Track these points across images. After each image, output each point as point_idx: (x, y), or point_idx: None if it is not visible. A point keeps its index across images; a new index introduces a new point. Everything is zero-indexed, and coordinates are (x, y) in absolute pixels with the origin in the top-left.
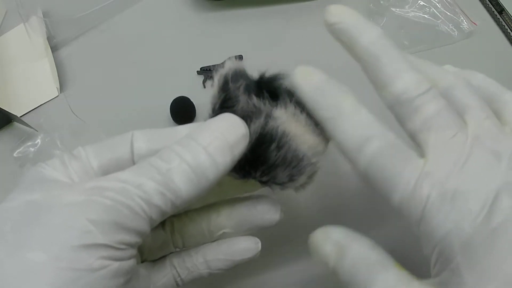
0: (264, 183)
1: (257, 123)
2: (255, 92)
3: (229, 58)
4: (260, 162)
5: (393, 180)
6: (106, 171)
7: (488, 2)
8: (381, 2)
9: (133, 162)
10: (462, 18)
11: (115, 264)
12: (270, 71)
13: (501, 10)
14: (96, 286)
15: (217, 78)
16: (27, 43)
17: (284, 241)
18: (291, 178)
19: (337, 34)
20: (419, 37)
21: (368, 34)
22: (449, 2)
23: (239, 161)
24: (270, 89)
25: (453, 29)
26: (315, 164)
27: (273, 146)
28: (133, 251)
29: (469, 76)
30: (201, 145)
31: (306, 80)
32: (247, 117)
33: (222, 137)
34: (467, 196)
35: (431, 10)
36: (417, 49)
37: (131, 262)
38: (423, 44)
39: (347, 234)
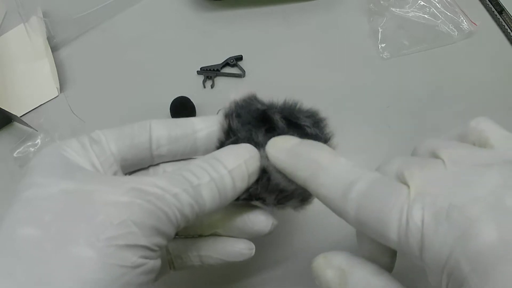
0: (258, 200)
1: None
2: (256, 122)
3: (233, 94)
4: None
5: (385, 216)
6: (124, 158)
7: (488, 2)
8: (381, 2)
9: (150, 151)
10: (462, 18)
11: (150, 263)
12: (276, 100)
13: (501, 10)
14: (136, 281)
15: (223, 112)
16: (27, 43)
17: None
18: (279, 202)
19: None
20: (419, 37)
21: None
22: (449, 2)
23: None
24: (272, 118)
25: (453, 29)
26: (302, 193)
27: (265, 179)
28: (161, 252)
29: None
30: (226, 168)
31: (278, 148)
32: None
33: (243, 166)
34: (462, 206)
35: (431, 10)
36: (417, 49)
37: (159, 260)
38: (423, 44)
39: (349, 259)
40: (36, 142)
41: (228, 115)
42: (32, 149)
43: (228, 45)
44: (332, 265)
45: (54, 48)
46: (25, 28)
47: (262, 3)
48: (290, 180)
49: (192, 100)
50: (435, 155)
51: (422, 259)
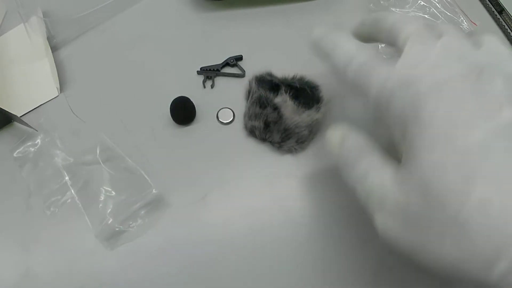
0: (264, 140)
1: (268, 109)
2: (270, 88)
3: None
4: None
5: (370, 81)
6: None
7: (488, 2)
8: (381, 2)
9: None
10: (462, 18)
11: None
12: (287, 75)
13: (501, 10)
14: None
15: (249, 80)
16: (27, 43)
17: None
18: (282, 140)
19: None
20: None
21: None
22: (449, 2)
23: (258, 129)
24: (279, 83)
25: None
26: (299, 133)
27: (272, 122)
28: None
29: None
30: None
31: (317, 32)
32: (262, 102)
33: None
34: (421, 79)
35: (431, 10)
36: None
37: None
38: None
39: (349, 128)
40: (36, 142)
41: (250, 82)
42: (32, 149)
43: (228, 45)
44: (337, 130)
45: (54, 48)
46: (25, 28)
47: (262, 3)
48: (292, 123)
49: (192, 100)
50: (439, 32)
51: (388, 118)
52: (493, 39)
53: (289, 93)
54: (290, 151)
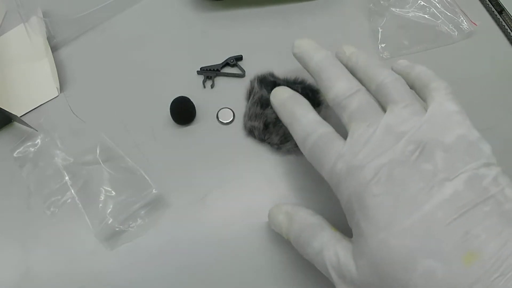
0: (263, 141)
1: (268, 109)
2: (271, 88)
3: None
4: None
5: (322, 161)
6: None
7: (488, 2)
8: (381, 2)
9: None
10: (462, 18)
11: None
12: (286, 76)
13: (501, 10)
14: None
15: (250, 79)
16: (27, 43)
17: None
18: (281, 142)
19: (298, 59)
20: (419, 37)
21: (316, 57)
22: (449, 2)
23: (257, 129)
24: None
25: (453, 29)
26: None
27: (277, 124)
28: None
29: (409, 69)
30: None
31: (276, 98)
32: (263, 103)
33: None
34: (363, 168)
35: (431, 10)
36: (417, 49)
37: None
38: (423, 44)
39: (294, 206)
40: (36, 142)
41: (252, 81)
42: (32, 149)
43: (228, 45)
44: (282, 211)
45: (54, 48)
46: (25, 28)
47: (262, 3)
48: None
49: (192, 100)
50: (386, 99)
51: (337, 196)
52: (441, 96)
53: None
54: (289, 152)
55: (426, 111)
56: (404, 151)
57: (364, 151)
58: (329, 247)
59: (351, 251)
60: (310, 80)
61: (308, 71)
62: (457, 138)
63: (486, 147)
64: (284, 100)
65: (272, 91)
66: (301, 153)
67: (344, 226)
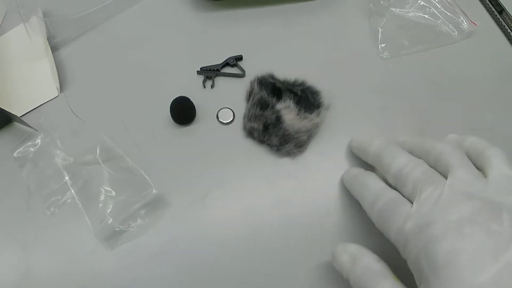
0: (262, 142)
1: (268, 111)
2: (271, 90)
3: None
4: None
5: (391, 223)
6: None
7: (488, 2)
8: (381, 2)
9: None
10: (462, 18)
11: None
12: (288, 78)
13: (501, 10)
14: None
15: (250, 81)
16: (27, 43)
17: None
18: (281, 144)
19: (357, 150)
20: (419, 37)
21: (375, 143)
22: (449, 2)
23: (257, 130)
24: (281, 89)
25: (453, 29)
26: (298, 138)
27: (277, 125)
28: None
29: (461, 141)
30: None
31: (348, 173)
32: (262, 104)
33: None
34: (433, 225)
35: (431, 10)
36: (417, 49)
37: None
38: (423, 44)
39: (360, 249)
40: (36, 142)
41: (251, 83)
42: (32, 149)
43: (228, 45)
44: (347, 251)
45: (54, 48)
46: (25, 28)
47: (262, 3)
48: (292, 129)
49: (192, 100)
50: (446, 166)
51: (405, 255)
52: (499, 162)
53: (292, 100)
54: (288, 154)
55: (486, 177)
56: (473, 210)
57: (433, 210)
58: None
59: None
60: (310, 82)
61: (367, 160)
62: None
63: None
64: (356, 174)
65: (345, 171)
66: (300, 155)
67: (349, 225)
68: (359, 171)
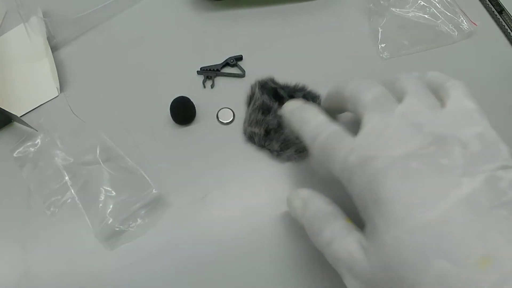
0: (263, 147)
1: (269, 116)
2: (272, 95)
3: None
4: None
5: (333, 157)
6: None
7: (488, 2)
8: (381, 2)
9: None
10: (462, 18)
11: None
12: (286, 81)
13: (501, 10)
14: None
15: (251, 84)
16: (27, 43)
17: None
18: (281, 149)
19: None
20: (419, 37)
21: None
22: (449, 2)
23: (258, 135)
24: (283, 94)
25: (453, 29)
26: (299, 144)
27: (272, 130)
28: None
29: (422, 75)
30: None
31: (287, 108)
32: (264, 109)
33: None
34: (377, 159)
35: (431, 10)
36: (417, 49)
37: None
38: (423, 44)
39: (312, 192)
40: (36, 142)
41: (252, 87)
42: (32, 149)
43: (228, 45)
44: (299, 196)
45: (54, 48)
46: (25, 28)
47: (262, 3)
48: (294, 135)
49: (192, 100)
50: (400, 91)
51: (349, 191)
52: (458, 93)
53: None
54: (289, 159)
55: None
56: (422, 144)
57: (378, 142)
58: (340, 238)
59: (362, 244)
60: (310, 83)
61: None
62: (475, 136)
63: (504, 149)
64: (294, 108)
65: (284, 105)
66: (301, 160)
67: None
68: (298, 105)
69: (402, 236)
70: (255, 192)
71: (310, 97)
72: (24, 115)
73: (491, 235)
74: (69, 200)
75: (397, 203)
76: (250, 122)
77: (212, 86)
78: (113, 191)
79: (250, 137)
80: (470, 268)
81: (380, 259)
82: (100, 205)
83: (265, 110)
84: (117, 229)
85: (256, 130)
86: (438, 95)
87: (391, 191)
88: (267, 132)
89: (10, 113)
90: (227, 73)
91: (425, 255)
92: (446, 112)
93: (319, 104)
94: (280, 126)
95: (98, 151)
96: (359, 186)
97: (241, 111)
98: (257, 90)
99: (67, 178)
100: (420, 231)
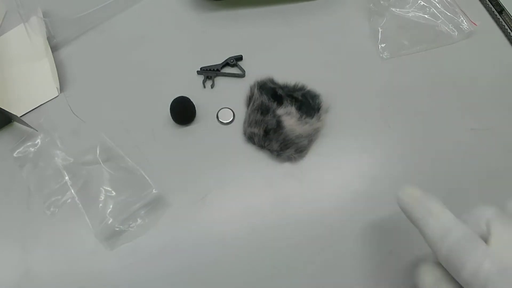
0: (263, 147)
1: (268, 116)
2: (271, 95)
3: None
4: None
5: (464, 261)
6: None
7: (488, 2)
8: (381, 2)
9: None
10: (462, 18)
11: None
12: (286, 81)
13: (501, 10)
14: None
15: (250, 85)
16: (27, 43)
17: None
18: (281, 149)
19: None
20: (419, 37)
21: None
22: (449, 2)
23: (257, 135)
24: (282, 94)
25: (453, 29)
26: (298, 143)
27: (278, 130)
28: None
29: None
30: None
31: (406, 194)
32: (263, 110)
33: None
34: None
35: (431, 10)
36: (417, 49)
37: None
38: (423, 44)
39: (443, 273)
40: (36, 142)
41: (251, 88)
42: (32, 149)
43: (228, 45)
44: (432, 273)
45: (54, 48)
46: (25, 28)
47: (262, 3)
48: (293, 134)
49: (192, 100)
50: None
51: None
52: None
53: (293, 105)
54: (289, 159)
55: None
56: None
57: None
58: None
59: None
60: (309, 83)
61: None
62: None
63: None
64: (418, 196)
65: (403, 189)
66: (300, 159)
67: (348, 226)
68: (420, 193)
69: None
70: (255, 192)
71: (309, 96)
72: (24, 115)
73: None
74: (69, 200)
75: None
76: (249, 122)
77: (212, 86)
78: (113, 191)
79: (250, 138)
80: None
81: None
82: (100, 205)
83: (264, 110)
84: (117, 229)
85: (256, 130)
86: None
87: None
88: (266, 132)
89: (10, 113)
90: (227, 73)
91: None
92: None
93: (319, 103)
94: (279, 126)
95: (98, 151)
96: None
97: (241, 111)
98: (256, 90)
99: (67, 178)
100: None
